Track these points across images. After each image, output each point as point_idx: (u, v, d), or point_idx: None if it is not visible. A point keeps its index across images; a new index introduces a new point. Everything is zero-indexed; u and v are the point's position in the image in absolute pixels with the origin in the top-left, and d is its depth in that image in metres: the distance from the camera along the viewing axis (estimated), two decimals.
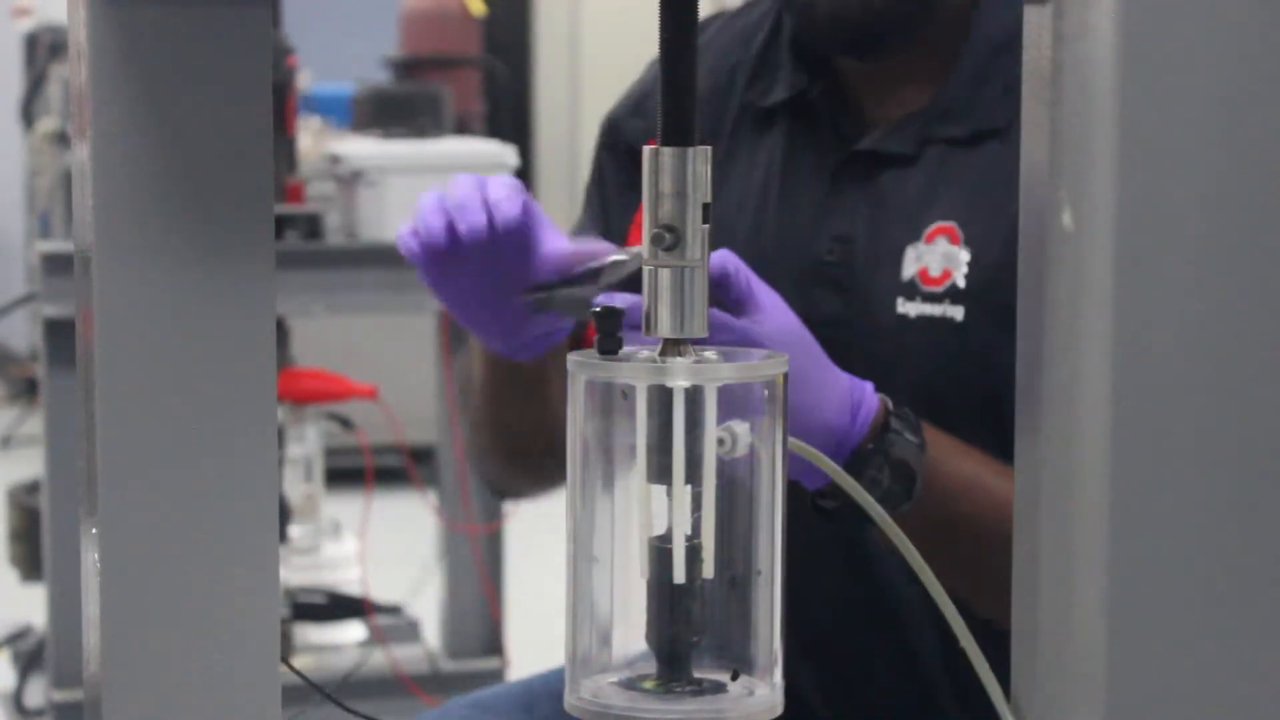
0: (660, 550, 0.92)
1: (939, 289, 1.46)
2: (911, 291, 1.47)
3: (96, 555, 0.86)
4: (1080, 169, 0.76)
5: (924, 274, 1.47)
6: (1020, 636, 0.83)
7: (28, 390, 6.92)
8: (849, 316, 1.49)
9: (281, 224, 3.27)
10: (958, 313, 1.46)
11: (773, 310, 1.27)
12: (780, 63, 1.57)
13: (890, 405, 1.33)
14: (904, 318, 1.47)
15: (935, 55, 1.51)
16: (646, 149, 0.93)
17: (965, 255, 1.45)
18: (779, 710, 0.93)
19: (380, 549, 3.89)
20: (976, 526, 1.36)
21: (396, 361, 5.14)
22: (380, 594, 3.58)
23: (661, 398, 0.91)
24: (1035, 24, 0.81)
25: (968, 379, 1.43)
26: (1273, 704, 0.75)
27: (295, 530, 3.55)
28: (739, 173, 1.56)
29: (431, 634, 3.67)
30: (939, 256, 1.46)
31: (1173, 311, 0.74)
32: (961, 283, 1.45)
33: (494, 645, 3.46)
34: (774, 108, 1.56)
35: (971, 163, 1.48)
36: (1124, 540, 0.74)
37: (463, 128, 5.26)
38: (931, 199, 1.48)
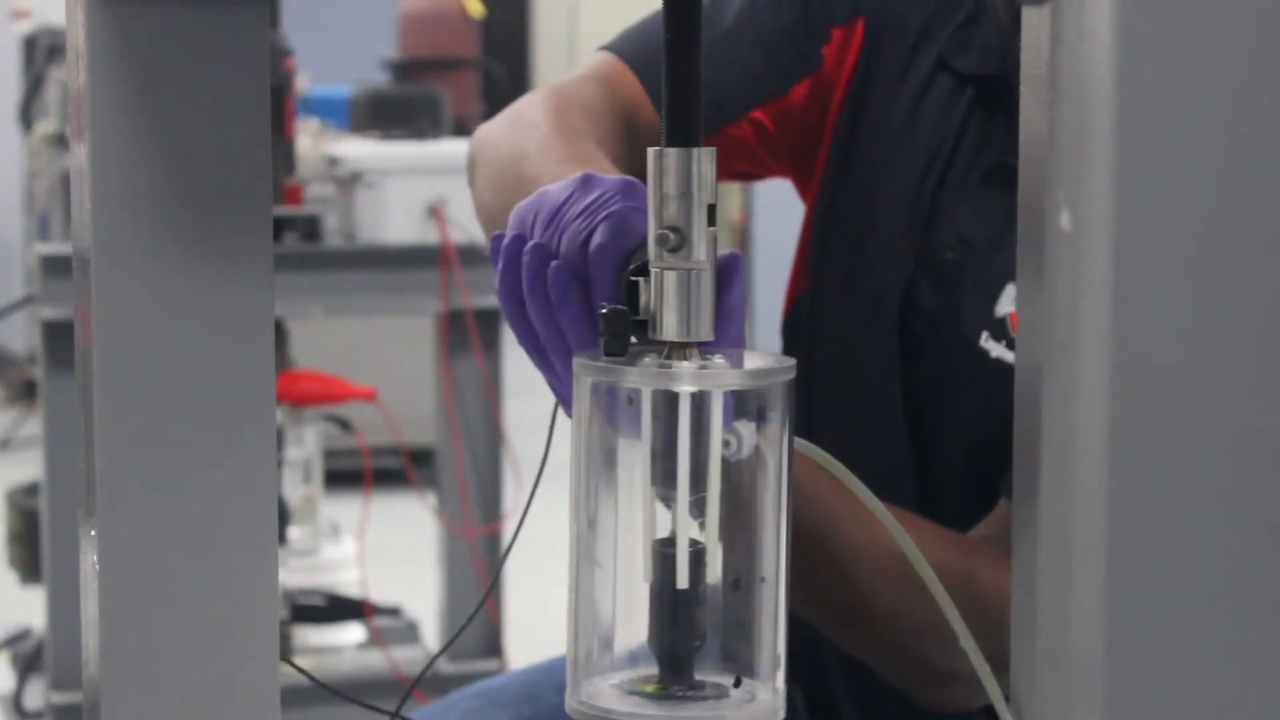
0: (664, 555, 0.91)
1: None
2: (1000, 332, 1.43)
3: (95, 557, 0.86)
4: (1078, 170, 0.76)
5: (1016, 318, 1.43)
6: (1020, 636, 0.83)
7: (26, 392, 6.93)
8: (939, 321, 1.46)
9: (280, 226, 3.27)
10: None
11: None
12: (986, 32, 1.50)
13: None
14: (983, 354, 1.43)
15: None
16: (651, 150, 0.93)
17: None
18: (780, 715, 0.93)
19: (379, 551, 3.90)
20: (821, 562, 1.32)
21: (395, 363, 5.15)
22: (379, 595, 3.58)
23: (667, 402, 0.91)
24: (1033, 25, 0.81)
25: None
26: (1273, 704, 0.75)
27: (294, 532, 3.55)
28: (925, 128, 1.51)
29: (430, 635, 3.67)
30: None
31: (1172, 312, 0.74)
32: None
33: (493, 647, 3.46)
34: (968, 75, 1.50)
35: None
36: (1123, 540, 0.74)
37: (461, 129, 5.27)
38: None
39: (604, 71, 1.50)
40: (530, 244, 1.08)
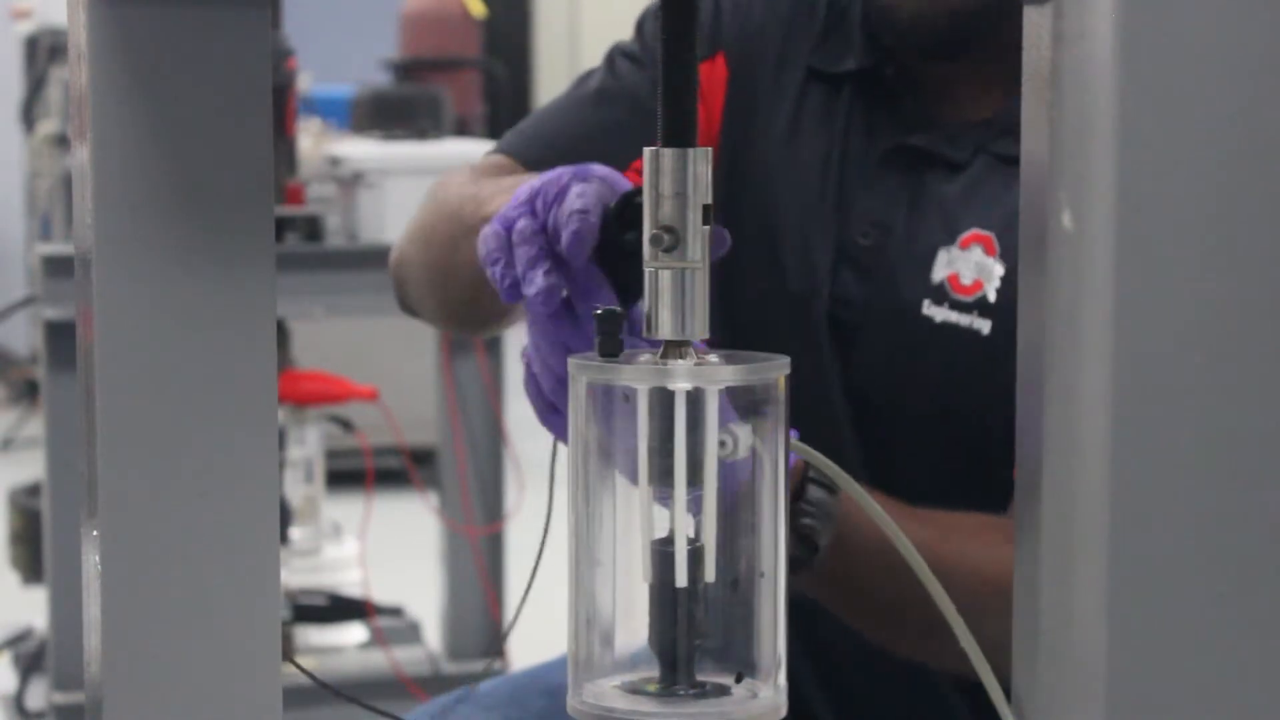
0: (662, 553, 0.92)
1: (968, 299, 1.44)
2: (940, 296, 1.45)
3: (97, 557, 0.86)
4: (1080, 169, 0.76)
5: (954, 280, 1.45)
6: (1020, 636, 0.83)
7: (28, 393, 6.93)
8: (871, 304, 1.48)
9: (282, 226, 3.27)
10: (984, 326, 1.43)
11: None
12: (850, 32, 1.55)
13: (805, 469, 1.27)
14: (929, 320, 1.45)
15: (1008, 70, 1.50)
16: (647, 150, 0.93)
17: (999, 269, 1.43)
18: (783, 712, 0.93)
19: (381, 551, 3.89)
20: (887, 586, 1.33)
21: (397, 364, 5.14)
22: (381, 596, 3.58)
23: (663, 400, 0.91)
24: (1035, 25, 0.81)
25: (985, 394, 1.41)
26: (1273, 704, 0.75)
27: (296, 532, 3.55)
28: (809, 135, 1.54)
29: (432, 635, 3.67)
30: (972, 265, 1.44)
31: (1173, 310, 0.74)
32: (992, 296, 1.43)
33: (495, 647, 3.46)
34: (841, 75, 1.54)
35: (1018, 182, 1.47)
36: (1124, 540, 0.74)
37: (463, 129, 5.27)
38: (971, 205, 1.46)
39: (496, 165, 1.56)
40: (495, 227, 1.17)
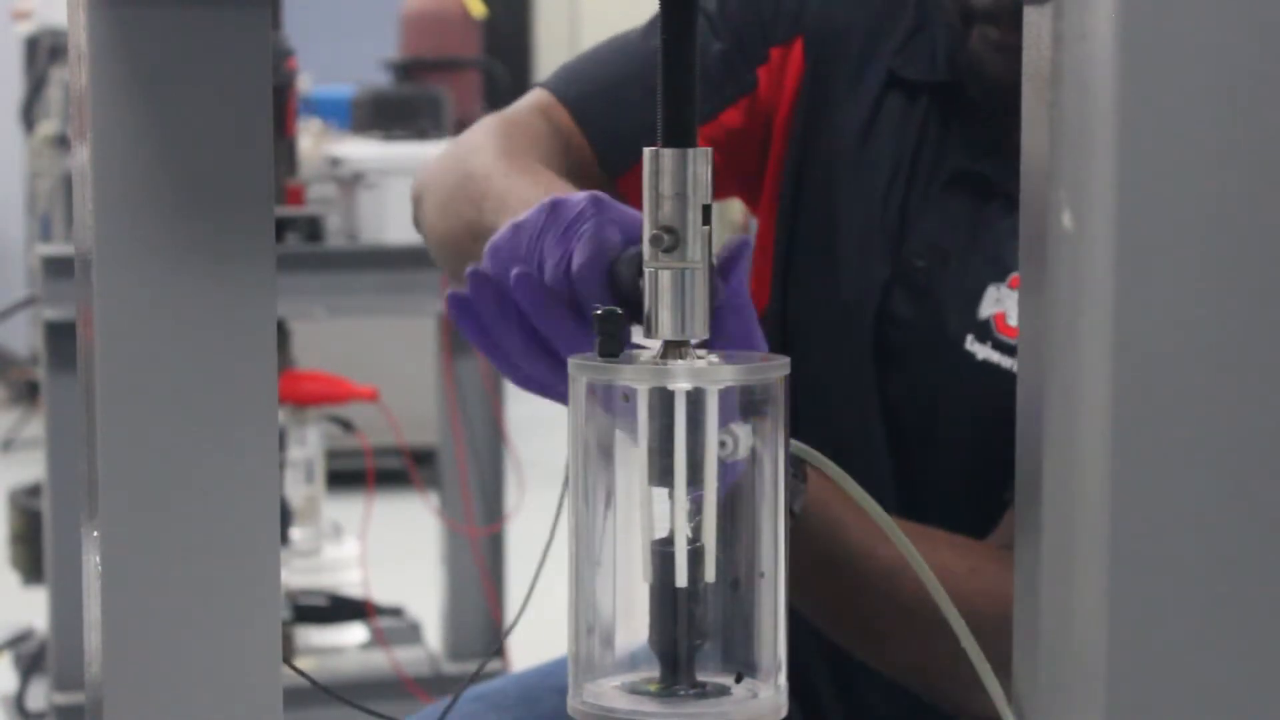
0: (662, 554, 0.92)
1: (1012, 341, 1.42)
2: (984, 333, 1.44)
3: (98, 558, 0.86)
4: (1080, 169, 0.76)
5: (1000, 319, 1.43)
6: (1021, 636, 0.83)
7: (29, 393, 6.94)
8: (917, 329, 1.47)
9: (282, 226, 3.27)
10: None
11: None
12: (935, 40, 1.52)
13: None
14: (969, 356, 1.44)
15: None
16: (647, 150, 0.93)
17: None
18: (783, 712, 0.93)
19: (381, 551, 3.90)
20: (834, 577, 1.31)
21: (397, 364, 5.15)
22: (381, 596, 3.58)
23: (663, 400, 0.91)
24: (1035, 25, 0.81)
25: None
26: (1273, 704, 0.75)
27: (296, 533, 3.55)
28: (882, 141, 1.52)
29: (433, 636, 3.67)
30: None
31: (1173, 311, 0.74)
32: None
33: (495, 646, 3.46)
34: (919, 83, 1.51)
35: None
36: (1124, 541, 0.74)
37: (463, 129, 5.25)
38: None
39: (540, 104, 1.53)
40: (516, 272, 1.11)
